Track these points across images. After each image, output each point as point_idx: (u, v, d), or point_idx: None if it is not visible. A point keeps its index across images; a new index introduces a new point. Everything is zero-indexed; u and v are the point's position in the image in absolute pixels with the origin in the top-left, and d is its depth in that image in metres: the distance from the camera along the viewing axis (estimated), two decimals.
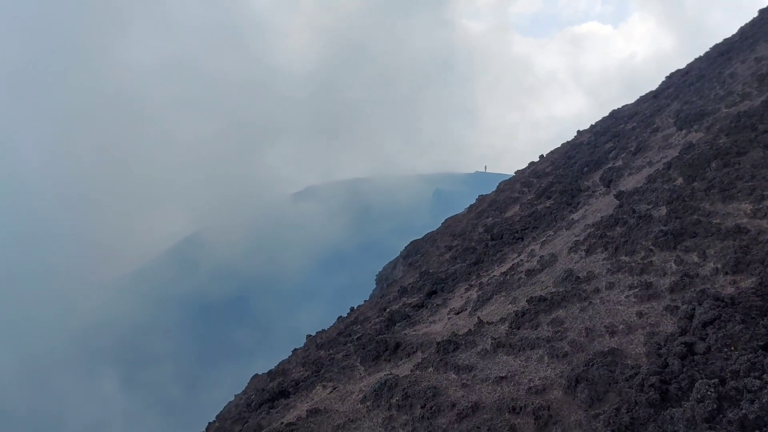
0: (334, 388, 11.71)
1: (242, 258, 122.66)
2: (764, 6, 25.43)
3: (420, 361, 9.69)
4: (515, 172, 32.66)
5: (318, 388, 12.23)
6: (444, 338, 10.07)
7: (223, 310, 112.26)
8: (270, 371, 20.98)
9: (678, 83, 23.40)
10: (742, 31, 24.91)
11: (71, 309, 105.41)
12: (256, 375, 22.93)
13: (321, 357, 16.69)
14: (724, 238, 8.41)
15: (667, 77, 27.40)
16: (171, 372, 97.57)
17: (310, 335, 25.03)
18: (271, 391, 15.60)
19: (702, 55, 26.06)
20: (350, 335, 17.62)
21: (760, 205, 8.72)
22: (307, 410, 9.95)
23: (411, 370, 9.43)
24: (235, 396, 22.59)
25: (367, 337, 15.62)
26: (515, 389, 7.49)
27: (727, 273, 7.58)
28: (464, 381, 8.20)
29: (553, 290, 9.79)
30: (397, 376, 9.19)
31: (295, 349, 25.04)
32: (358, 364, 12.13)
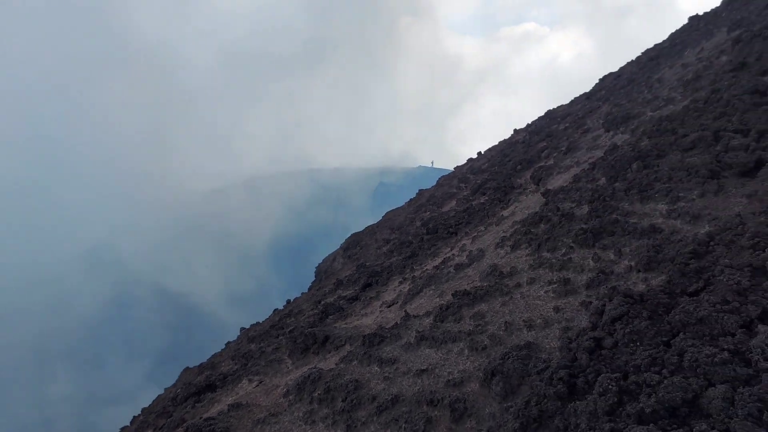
0: (260, 382, 11.58)
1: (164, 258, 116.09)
2: (681, 14, 26.60)
3: (346, 354, 9.67)
4: (454, 168, 33.17)
5: (244, 381, 12.07)
6: (371, 331, 10.09)
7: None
8: (201, 364, 20.58)
9: (610, 86, 24.20)
10: (672, 37, 25.98)
11: None
12: (187, 368, 22.44)
13: (251, 350, 16.46)
14: (639, 237, 8.73)
15: (600, 80, 28.32)
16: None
17: (244, 328, 24.67)
18: (198, 385, 15.29)
19: (634, 59, 27.07)
20: (283, 328, 17.45)
21: (675, 206, 9.09)
22: (228, 404, 9.80)
23: (336, 364, 9.41)
24: (165, 389, 21.99)
25: (299, 330, 15.50)
26: (435, 382, 7.57)
27: (639, 271, 7.87)
28: (386, 374, 8.24)
29: (478, 284, 9.95)
30: (321, 369, 9.15)
31: (228, 342, 24.64)
32: (286, 358, 12.03)
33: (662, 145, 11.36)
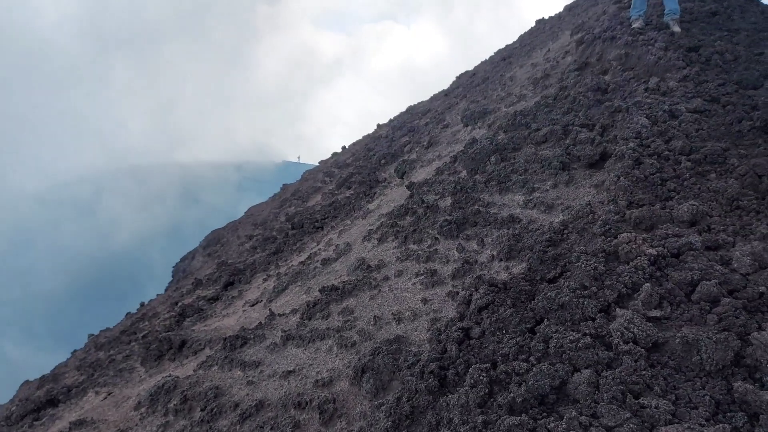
0: (109, 394, 10.52)
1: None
2: (523, 19, 28.53)
3: (205, 359, 9.00)
4: (319, 162, 32.87)
5: (90, 394, 10.92)
6: (233, 333, 9.49)
7: None
8: (43, 376, 18.54)
9: (466, 84, 25.15)
10: (522, 38, 27.56)
11: None
12: (27, 381, 20.15)
13: (100, 359, 15.02)
14: (500, 227, 8.95)
15: (457, 77, 29.40)
16: None
17: (92, 334, 22.67)
18: (37, 401, 13.67)
19: (487, 59, 28.41)
20: (135, 333, 16.11)
21: (531, 197, 9.43)
22: (71, 422, 8.74)
23: (194, 370, 8.71)
24: (1, 406, 19.53)
25: (153, 335, 14.38)
26: (302, 383, 7.21)
27: (501, 260, 8.05)
28: (250, 378, 7.73)
29: (346, 279, 9.72)
30: (177, 377, 8.42)
31: (75, 351, 22.52)
32: (138, 366, 11.04)
33: (517, 138, 11.84)
